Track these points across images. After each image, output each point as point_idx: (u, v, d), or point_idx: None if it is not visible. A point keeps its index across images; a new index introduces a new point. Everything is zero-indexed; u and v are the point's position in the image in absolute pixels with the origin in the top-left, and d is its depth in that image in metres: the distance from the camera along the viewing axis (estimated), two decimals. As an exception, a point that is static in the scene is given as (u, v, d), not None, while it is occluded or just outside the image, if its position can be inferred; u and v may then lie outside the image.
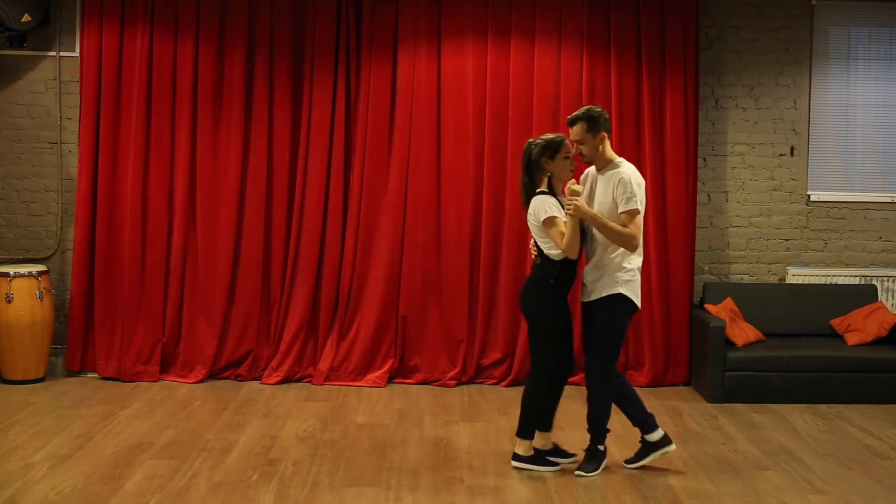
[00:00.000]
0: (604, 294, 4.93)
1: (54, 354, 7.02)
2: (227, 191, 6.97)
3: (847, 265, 7.35)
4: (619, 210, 4.83)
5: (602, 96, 6.96)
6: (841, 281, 7.27)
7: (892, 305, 7.23)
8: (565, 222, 4.81)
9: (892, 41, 7.34)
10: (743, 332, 6.74)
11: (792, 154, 7.32)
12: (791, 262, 7.34)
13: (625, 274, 4.89)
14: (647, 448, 5.09)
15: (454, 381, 6.95)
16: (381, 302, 6.99)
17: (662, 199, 6.97)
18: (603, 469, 5.03)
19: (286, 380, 6.92)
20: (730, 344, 6.63)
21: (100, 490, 4.66)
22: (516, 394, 6.69)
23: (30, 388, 6.69)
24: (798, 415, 6.24)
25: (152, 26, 6.90)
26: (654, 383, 6.95)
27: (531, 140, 5.05)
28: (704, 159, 7.27)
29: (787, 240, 7.34)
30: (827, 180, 7.36)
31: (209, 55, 6.92)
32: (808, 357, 6.54)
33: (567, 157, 4.93)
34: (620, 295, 4.90)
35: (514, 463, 5.09)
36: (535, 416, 5.07)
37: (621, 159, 4.98)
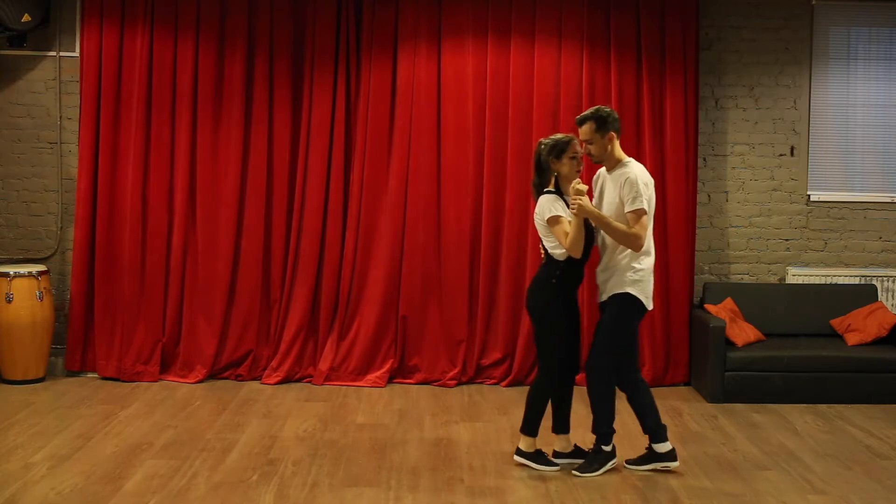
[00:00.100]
0: (612, 294, 4.93)
1: (54, 354, 7.02)
2: (227, 191, 6.97)
3: (847, 265, 7.35)
4: (626, 210, 4.83)
5: (602, 96, 6.96)
6: (841, 281, 7.27)
7: (892, 305, 7.23)
8: (570, 221, 4.82)
9: (892, 41, 7.34)
10: (743, 332, 6.74)
11: (792, 154, 7.32)
12: (791, 262, 7.34)
13: (634, 274, 4.89)
14: (652, 456, 5.09)
15: (454, 381, 6.95)
16: (381, 302, 6.99)
17: (662, 199, 6.96)
18: (610, 471, 5.00)
19: (286, 380, 6.92)
20: (730, 344, 6.63)
21: (100, 490, 4.66)
22: (516, 394, 6.72)
23: (30, 388, 6.69)
24: (798, 415, 6.24)
25: (152, 26, 6.90)
26: (655, 383, 6.93)
27: (541, 140, 5.08)
28: (704, 159, 7.27)
29: (787, 240, 7.34)
30: (827, 180, 7.36)
31: (209, 55, 6.92)
32: (808, 357, 6.54)
33: (574, 158, 4.93)
34: (628, 294, 4.89)
35: (516, 457, 5.12)
36: (539, 414, 5.07)
37: (630, 159, 4.98)
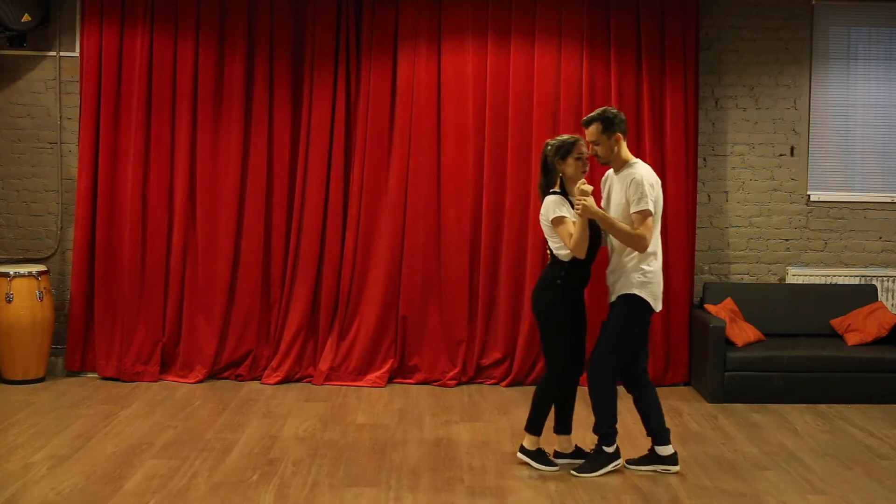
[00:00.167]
0: (620, 294, 4.94)
1: (54, 354, 7.02)
2: (227, 191, 6.97)
3: (847, 265, 7.35)
4: (631, 210, 4.82)
5: (602, 96, 6.96)
6: (841, 281, 7.27)
7: (892, 305, 7.23)
8: (574, 222, 4.82)
9: (892, 41, 7.34)
10: (743, 332, 6.74)
11: (792, 154, 7.32)
12: (791, 262, 7.34)
13: (642, 276, 4.88)
14: (653, 458, 5.09)
15: (454, 381, 6.95)
16: (381, 302, 6.99)
17: (663, 199, 6.96)
18: (612, 473, 4.98)
19: (286, 380, 6.92)
20: (730, 344, 6.63)
21: (100, 490, 4.66)
22: (516, 394, 6.72)
23: (30, 388, 6.69)
24: (798, 415, 6.24)
25: (152, 26, 6.90)
26: (655, 383, 6.76)
27: (547, 140, 5.09)
28: (704, 159, 7.27)
29: (787, 240, 7.34)
30: (827, 180, 7.36)
31: (209, 55, 6.92)
32: (808, 357, 6.54)
33: (579, 158, 4.93)
34: (635, 296, 4.89)
35: (519, 454, 5.14)
36: (544, 414, 5.08)
37: (637, 160, 4.97)
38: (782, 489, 4.84)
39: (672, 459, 5.06)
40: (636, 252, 4.85)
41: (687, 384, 7.02)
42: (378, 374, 6.95)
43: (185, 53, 6.91)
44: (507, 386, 6.95)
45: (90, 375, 7.01)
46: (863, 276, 7.27)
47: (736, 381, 6.48)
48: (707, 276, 7.32)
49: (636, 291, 4.88)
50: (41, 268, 6.88)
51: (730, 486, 4.87)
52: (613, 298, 5.00)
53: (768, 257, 7.34)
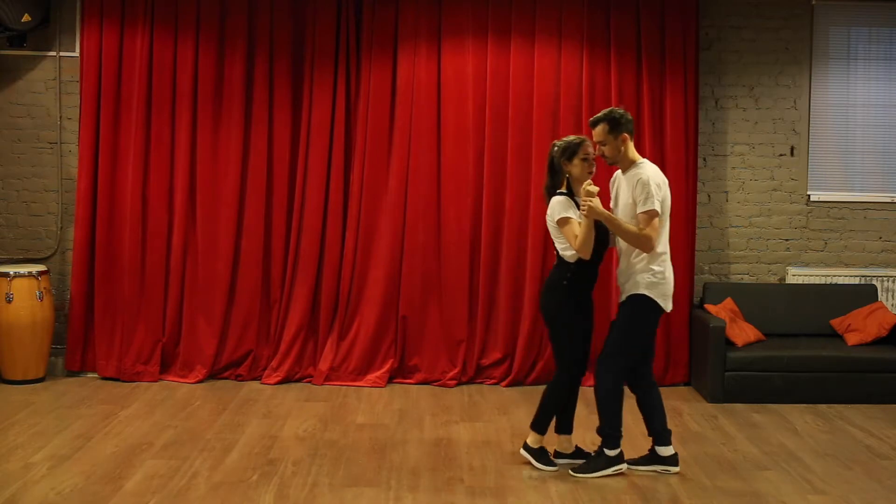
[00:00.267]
0: (628, 296, 4.93)
1: (54, 354, 7.02)
2: (227, 191, 6.97)
3: (847, 265, 7.35)
4: (637, 210, 4.82)
5: (602, 96, 6.96)
6: (841, 281, 7.27)
7: (892, 305, 7.23)
8: (580, 223, 4.82)
9: (892, 41, 7.34)
10: (743, 332, 6.74)
11: (792, 154, 7.32)
12: (791, 262, 7.34)
13: (651, 276, 4.86)
14: (654, 458, 5.08)
15: (454, 381, 6.95)
16: (381, 302, 6.99)
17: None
18: (613, 476, 4.96)
19: (286, 380, 6.92)
20: (730, 344, 6.63)
21: (100, 490, 4.66)
22: (516, 394, 6.72)
23: (30, 388, 6.69)
24: (798, 415, 6.24)
25: (152, 26, 6.90)
26: None
27: (554, 142, 5.09)
28: (704, 159, 7.27)
29: (787, 240, 7.34)
30: (827, 180, 7.36)
31: (209, 55, 6.92)
32: (808, 357, 6.54)
33: (585, 159, 4.93)
34: (643, 296, 4.88)
35: (522, 451, 5.15)
36: (551, 414, 5.08)
37: (644, 160, 4.96)
38: (782, 489, 4.84)
39: (672, 460, 5.06)
40: (645, 253, 4.85)
41: (687, 384, 7.02)
42: (378, 374, 6.95)
43: (185, 53, 6.91)
44: (507, 386, 6.95)
45: (90, 375, 7.01)
46: (863, 276, 7.28)
47: (736, 381, 6.48)
48: (707, 276, 7.32)
49: (645, 291, 4.87)
50: (41, 268, 6.88)
51: (730, 486, 4.87)
52: (623, 299, 4.99)
53: (768, 257, 7.34)
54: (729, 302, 6.98)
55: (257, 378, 6.97)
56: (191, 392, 6.63)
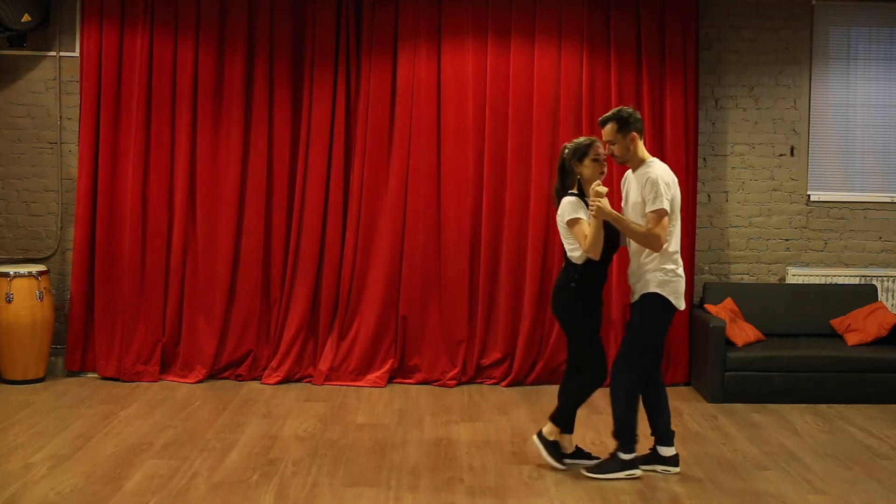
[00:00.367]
0: (640, 295, 4.93)
1: (54, 354, 7.02)
2: (227, 191, 6.97)
3: (847, 265, 7.35)
4: (646, 210, 4.82)
5: (602, 96, 6.96)
6: (841, 281, 7.27)
7: (892, 305, 7.23)
8: (590, 223, 4.82)
9: (892, 41, 7.34)
10: (743, 332, 6.74)
11: (792, 154, 7.32)
12: (791, 262, 7.34)
13: (663, 275, 4.86)
14: (654, 458, 5.08)
15: (454, 381, 6.95)
16: (381, 302, 6.99)
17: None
18: (627, 480, 4.93)
19: (286, 380, 6.92)
20: (730, 344, 6.63)
21: (100, 490, 4.66)
22: (516, 394, 6.72)
23: (30, 388, 6.69)
24: (798, 415, 6.24)
25: (152, 26, 6.90)
26: None
27: (564, 144, 5.11)
28: (704, 159, 7.27)
29: (787, 240, 7.34)
30: (827, 180, 7.36)
31: (209, 55, 6.92)
32: (808, 357, 6.54)
33: (596, 160, 4.93)
34: (656, 295, 4.87)
35: (534, 437, 5.15)
36: (572, 412, 5.09)
37: (653, 159, 4.96)
38: (782, 489, 4.84)
39: (673, 461, 5.05)
40: (655, 252, 4.84)
41: (687, 384, 7.02)
42: (378, 374, 6.95)
43: (185, 53, 6.91)
44: (507, 386, 6.95)
45: (90, 375, 7.01)
46: (863, 276, 7.28)
47: (736, 381, 6.48)
48: (707, 276, 7.32)
49: (657, 290, 4.86)
50: (41, 268, 6.88)
51: (730, 486, 4.87)
52: (635, 298, 4.99)
53: (768, 257, 7.34)
54: (729, 302, 6.98)
55: (257, 378, 6.97)
56: (191, 392, 6.64)
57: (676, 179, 4.94)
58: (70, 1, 7.06)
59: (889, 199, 7.36)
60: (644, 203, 4.83)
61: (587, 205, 4.89)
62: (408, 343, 7.06)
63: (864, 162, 7.38)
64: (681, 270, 4.94)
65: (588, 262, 4.90)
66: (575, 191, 4.97)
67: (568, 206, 4.92)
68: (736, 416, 6.21)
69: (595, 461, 5.10)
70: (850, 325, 6.91)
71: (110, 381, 6.88)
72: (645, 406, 5.10)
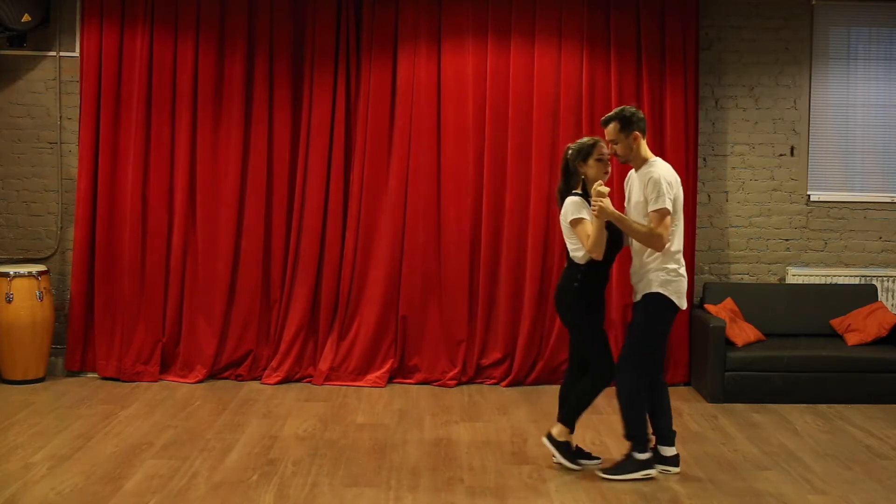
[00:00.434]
0: (642, 295, 4.93)
1: (54, 354, 7.02)
2: (227, 191, 6.97)
3: (847, 265, 7.35)
4: (648, 209, 4.82)
5: (602, 96, 6.96)
6: (841, 281, 7.27)
7: (892, 305, 7.23)
8: (593, 224, 4.83)
9: (892, 41, 7.34)
10: (743, 332, 6.74)
11: (792, 154, 7.32)
12: (791, 262, 7.34)
13: (666, 275, 4.86)
14: (655, 457, 5.06)
15: (454, 381, 6.95)
16: (381, 302, 6.99)
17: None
18: (644, 480, 4.93)
19: (286, 380, 6.92)
20: (730, 344, 6.63)
21: (100, 490, 4.66)
22: (516, 394, 6.72)
23: (30, 388, 6.69)
24: (798, 415, 6.24)
25: (152, 26, 6.90)
26: None
27: (568, 145, 5.11)
28: (704, 159, 7.27)
29: (787, 240, 7.34)
30: (827, 180, 7.36)
31: (209, 55, 6.92)
32: (808, 357, 6.54)
33: (600, 160, 4.94)
34: (658, 294, 4.87)
35: (544, 439, 5.12)
36: (580, 411, 5.07)
37: (656, 158, 4.96)
38: (782, 489, 4.84)
39: (674, 461, 5.05)
40: (657, 251, 4.85)
41: (687, 384, 7.02)
42: (378, 374, 6.95)
43: (185, 53, 6.91)
44: (507, 386, 6.95)
45: (90, 375, 7.01)
46: (863, 276, 7.28)
47: (736, 381, 6.48)
48: (707, 276, 7.32)
49: (659, 289, 4.86)
50: (41, 268, 6.88)
51: (730, 486, 4.87)
52: (637, 298, 4.99)
53: (768, 257, 7.34)
54: (729, 302, 6.98)
55: (257, 378, 6.97)
56: (191, 392, 6.63)
57: (679, 179, 4.95)
58: (70, 1, 7.06)
59: (889, 199, 7.36)
60: (646, 202, 4.83)
61: (591, 205, 4.90)
62: (408, 343, 7.06)
63: (864, 162, 7.38)
64: (683, 270, 4.94)
65: (591, 262, 4.90)
66: (579, 191, 4.97)
67: (571, 207, 4.92)
68: (736, 416, 6.21)
69: (596, 461, 5.10)
70: (850, 325, 6.91)
71: (110, 381, 6.88)
72: (647, 406, 5.10)
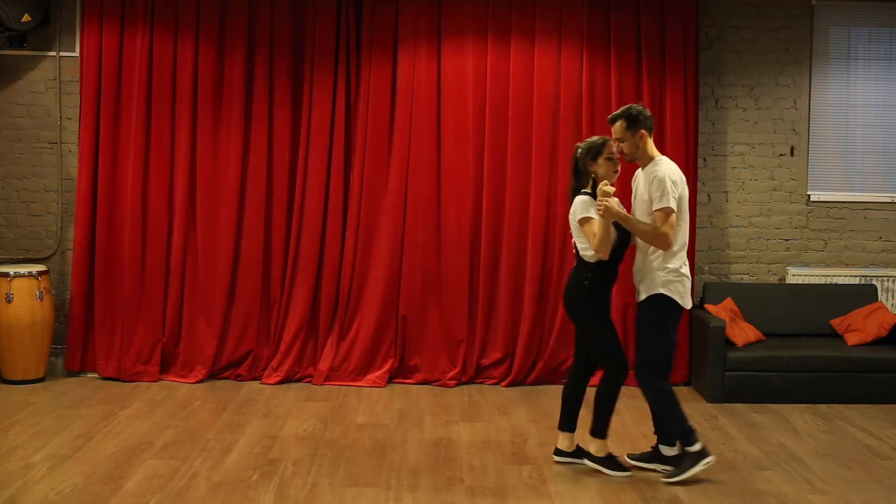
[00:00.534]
0: (645, 296, 4.93)
1: (54, 354, 7.02)
2: (227, 191, 6.97)
3: (847, 265, 7.35)
4: (653, 208, 4.82)
5: (602, 96, 6.96)
6: (841, 281, 7.27)
7: (892, 305, 7.23)
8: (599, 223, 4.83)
9: (892, 41, 7.34)
10: (743, 332, 6.74)
11: (792, 154, 7.32)
12: (791, 262, 7.34)
13: (667, 275, 4.86)
14: (656, 457, 5.07)
15: (454, 381, 6.95)
16: (381, 302, 6.99)
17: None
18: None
19: (286, 380, 6.92)
20: (730, 344, 6.63)
21: (100, 490, 4.66)
22: (516, 394, 6.72)
23: (30, 388, 6.69)
24: (798, 415, 6.24)
25: (152, 26, 6.90)
26: None
27: (578, 144, 5.12)
28: (704, 159, 7.27)
29: (787, 240, 7.34)
30: (827, 180, 7.36)
31: (209, 55, 6.92)
32: (808, 357, 6.54)
33: (609, 159, 4.95)
34: (661, 295, 4.87)
35: (587, 462, 5.06)
36: (608, 417, 5.04)
37: (662, 157, 4.97)
38: (782, 489, 4.84)
39: (675, 461, 5.05)
40: (660, 250, 4.84)
41: (687, 384, 7.01)
42: (378, 374, 6.95)
43: (185, 53, 6.91)
44: (507, 386, 6.95)
45: (90, 375, 7.01)
46: (863, 276, 7.27)
47: (736, 381, 6.48)
48: (707, 276, 7.32)
49: (662, 290, 4.86)
50: (41, 268, 6.88)
51: (730, 486, 4.87)
52: (641, 298, 4.99)
53: (768, 257, 7.34)
54: (729, 302, 6.98)
55: (257, 378, 6.97)
56: (191, 392, 6.63)
57: (684, 178, 4.95)
58: (70, 1, 7.06)
59: (889, 199, 7.36)
60: (651, 201, 4.84)
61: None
62: (408, 343, 7.06)
63: (864, 162, 7.38)
64: (686, 269, 4.93)
65: (601, 261, 4.91)
66: (588, 190, 4.97)
67: (580, 205, 4.92)
68: (736, 416, 6.21)
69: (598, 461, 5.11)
70: (850, 325, 6.91)
71: (110, 381, 6.88)
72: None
